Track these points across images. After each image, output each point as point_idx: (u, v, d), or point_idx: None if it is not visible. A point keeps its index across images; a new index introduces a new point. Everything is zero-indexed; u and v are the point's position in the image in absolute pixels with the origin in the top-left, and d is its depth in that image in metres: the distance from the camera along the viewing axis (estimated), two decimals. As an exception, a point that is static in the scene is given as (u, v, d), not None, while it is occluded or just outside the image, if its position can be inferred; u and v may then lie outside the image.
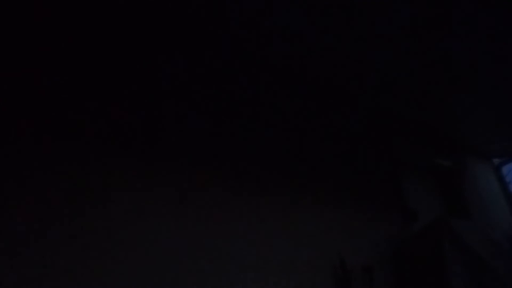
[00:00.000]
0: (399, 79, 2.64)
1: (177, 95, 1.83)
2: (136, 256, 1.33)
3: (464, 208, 3.66)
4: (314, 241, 2.00)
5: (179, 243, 1.47)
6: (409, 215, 2.89)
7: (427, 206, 3.43)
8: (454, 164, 3.96)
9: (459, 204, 3.71)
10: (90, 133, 1.44)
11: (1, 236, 1.10)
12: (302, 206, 2.07)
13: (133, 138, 1.56)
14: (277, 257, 1.78)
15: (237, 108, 2.09)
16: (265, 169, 2.01)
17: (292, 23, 1.96)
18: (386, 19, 1.96)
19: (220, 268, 1.54)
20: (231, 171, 1.84)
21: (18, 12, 1.45)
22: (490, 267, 1.98)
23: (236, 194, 1.80)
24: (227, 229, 1.66)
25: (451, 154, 4.04)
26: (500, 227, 4.11)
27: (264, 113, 2.24)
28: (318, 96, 2.76)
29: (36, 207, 1.20)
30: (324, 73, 2.50)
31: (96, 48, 1.63)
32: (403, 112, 3.24)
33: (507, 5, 1.87)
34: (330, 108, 2.81)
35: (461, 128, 3.73)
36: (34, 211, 1.19)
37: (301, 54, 2.26)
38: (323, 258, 1.98)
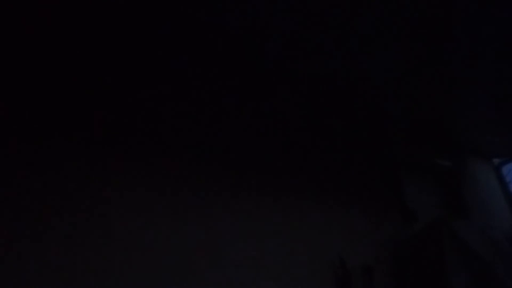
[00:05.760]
0: (399, 78, 2.64)
1: (176, 96, 1.83)
2: (134, 256, 1.33)
3: (464, 208, 3.65)
4: (314, 241, 2.00)
5: (177, 243, 1.47)
6: (409, 215, 2.89)
7: (427, 206, 3.42)
8: (454, 164, 3.96)
9: (459, 204, 3.70)
10: (89, 134, 1.44)
11: (1, 236, 1.10)
12: (302, 206, 2.07)
13: (132, 138, 1.56)
14: (277, 257, 1.77)
15: (236, 108, 2.09)
16: (265, 169, 2.01)
17: (290, 24, 1.96)
18: (386, 19, 1.96)
19: (219, 268, 1.54)
20: (230, 171, 1.84)
21: (18, 12, 1.45)
22: (490, 267, 1.97)
23: (236, 194, 1.79)
24: (227, 229, 1.66)
25: (451, 154, 4.04)
26: (500, 227, 4.10)
27: (263, 113, 2.23)
28: (317, 96, 2.75)
29: (36, 207, 1.20)
30: (323, 73, 2.50)
31: (95, 49, 1.63)
32: (403, 112, 3.24)
33: (506, 5, 1.87)
34: (330, 108, 2.81)
35: (461, 128, 3.73)
36: (34, 211, 1.18)
37: (300, 54, 2.26)
38: (323, 258, 1.98)
